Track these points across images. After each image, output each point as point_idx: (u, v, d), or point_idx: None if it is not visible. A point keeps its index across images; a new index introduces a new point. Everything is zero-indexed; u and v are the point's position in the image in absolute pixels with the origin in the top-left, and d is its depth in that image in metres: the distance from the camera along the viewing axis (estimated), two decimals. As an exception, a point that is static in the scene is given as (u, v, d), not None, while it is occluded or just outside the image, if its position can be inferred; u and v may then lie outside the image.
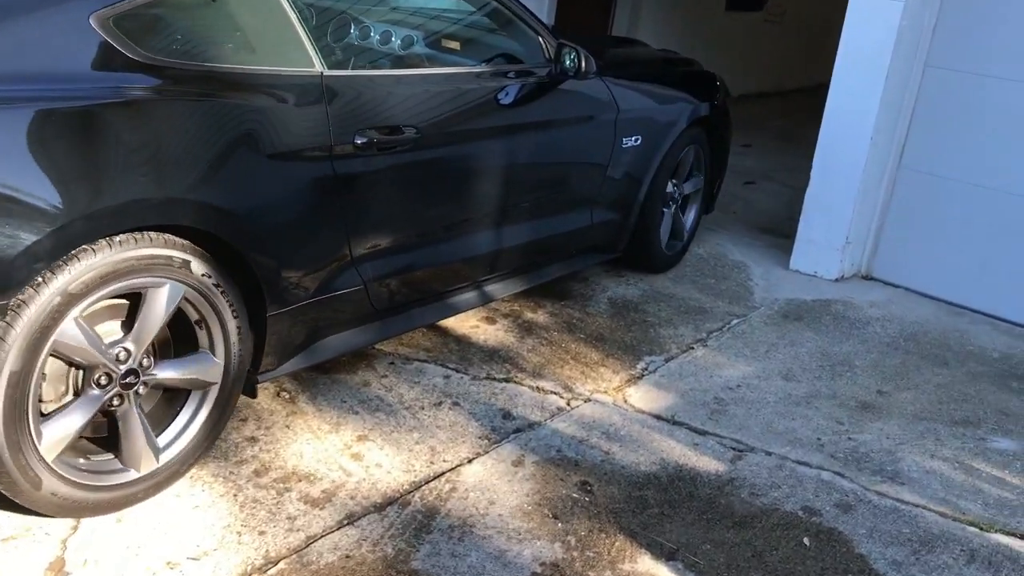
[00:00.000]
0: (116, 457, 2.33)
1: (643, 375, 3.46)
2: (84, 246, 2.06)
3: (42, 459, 2.12)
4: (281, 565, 2.27)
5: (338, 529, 2.42)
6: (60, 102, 2.02)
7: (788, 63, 10.25)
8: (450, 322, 3.65)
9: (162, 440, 2.40)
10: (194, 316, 2.39)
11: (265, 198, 2.41)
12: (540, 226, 3.46)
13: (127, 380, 2.26)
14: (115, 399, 2.26)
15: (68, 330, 2.10)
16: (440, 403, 3.09)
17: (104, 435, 2.37)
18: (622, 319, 3.94)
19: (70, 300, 2.07)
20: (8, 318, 1.98)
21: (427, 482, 2.66)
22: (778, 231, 5.41)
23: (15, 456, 2.07)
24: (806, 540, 2.57)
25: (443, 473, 2.71)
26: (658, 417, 3.16)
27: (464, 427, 2.96)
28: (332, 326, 2.78)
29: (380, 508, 2.53)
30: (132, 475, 2.32)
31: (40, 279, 2.00)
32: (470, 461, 2.78)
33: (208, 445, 2.55)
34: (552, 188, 3.49)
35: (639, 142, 3.78)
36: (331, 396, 3.04)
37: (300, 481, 2.60)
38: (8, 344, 1.99)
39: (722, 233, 5.24)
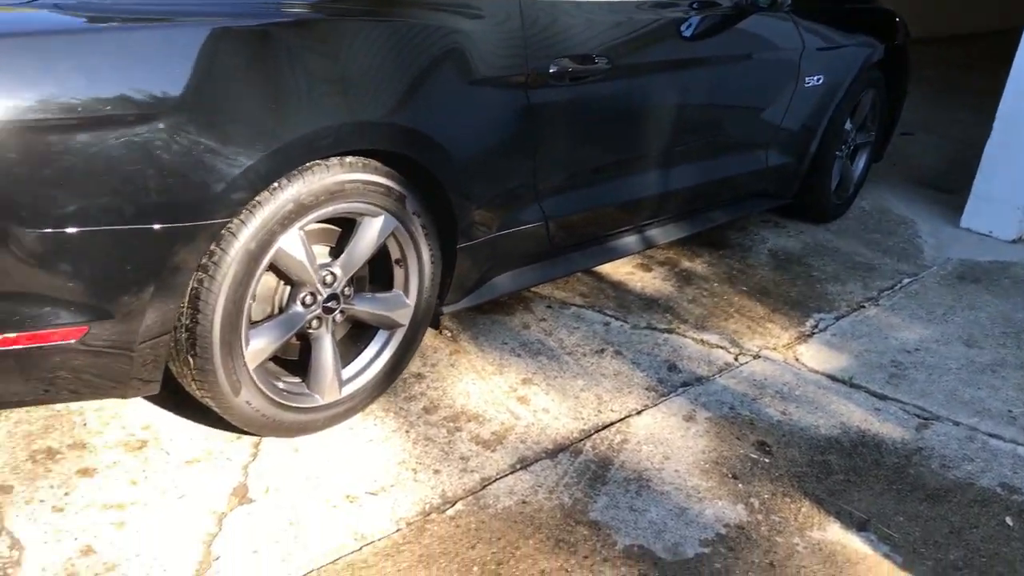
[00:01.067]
0: (303, 381, 2.31)
1: (813, 333, 3.28)
2: (318, 161, 2.05)
3: (245, 365, 2.11)
4: (458, 506, 2.22)
5: (511, 473, 2.36)
6: (277, 18, 1.99)
7: (942, 8, 9.60)
8: (604, 267, 3.53)
9: (346, 373, 2.37)
10: (395, 255, 2.37)
11: (464, 126, 2.34)
12: (717, 166, 3.30)
13: (329, 304, 2.25)
14: (314, 321, 2.24)
15: (291, 240, 2.08)
16: (602, 350, 2.98)
17: (294, 359, 2.36)
18: (785, 272, 3.75)
19: (299, 210, 2.05)
20: (243, 216, 1.96)
21: (597, 431, 2.57)
22: (941, 186, 5.07)
23: (225, 358, 2.06)
24: (1008, 520, 2.38)
25: (612, 423, 2.61)
26: (833, 378, 2.99)
27: (629, 377, 2.85)
28: (508, 263, 2.70)
29: (552, 454, 2.45)
30: (316, 401, 2.31)
31: (277, 184, 1.99)
32: (639, 413, 2.68)
33: (388, 384, 2.52)
34: (733, 126, 3.33)
35: (820, 82, 3.55)
36: (492, 337, 2.97)
37: (469, 421, 2.54)
38: (239, 244, 1.97)
39: (882, 185, 4.94)
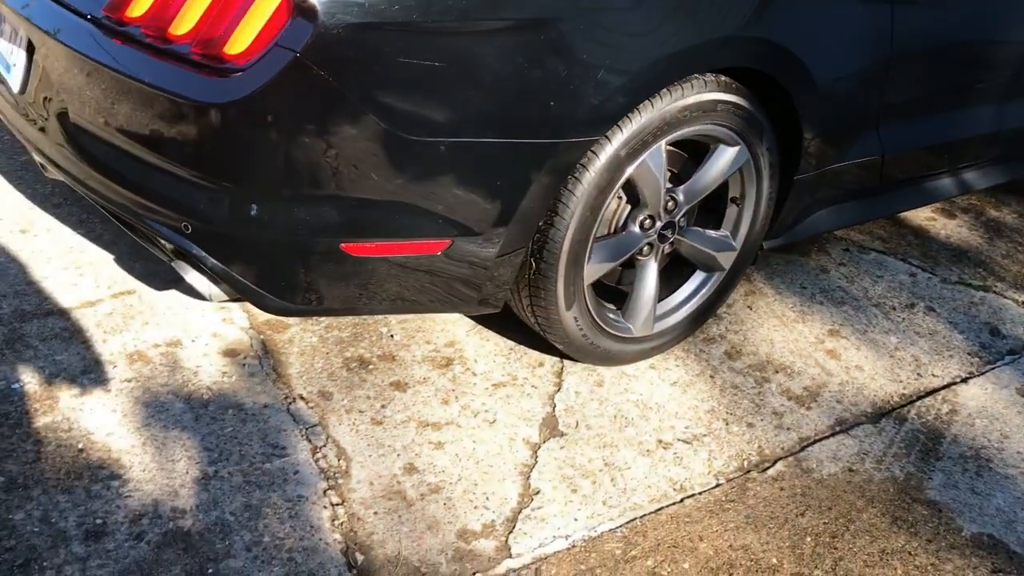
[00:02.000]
0: (619, 309, 2.20)
1: None
2: (697, 76, 1.91)
3: (582, 279, 2.02)
4: (779, 466, 2.06)
5: (831, 436, 2.17)
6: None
7: None
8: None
9: (659, 309, 2.23)
10: (734, 192, 2.21)
11: (826, 43, 2.11)
12: None
13: (664, 232, 2.13)
14: (645, 247, 2.13)
15: (655, 156, 1.97)
16: (912, 305, 2.70)
17: (611, 284, 2.25)
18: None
19: (669, 126, 1.94)
20: (620, 125, 1.86)
21: (919, 397, 2.32)
22: None
23: (569, 268, 1.97)
24: None
25: (936, 390, 2.36)
26: None
27: (947, 338, 2.57)
28: (832, 198, 2.47)
29: (873, 419, 2.23)
30: (630, 332, 2.19)
31: (655, 97, 1.87)
32: (964, 380, 2.41)
33: (695, 328, 2.38)
34: None
35: None
36: (788, 279, 2.75)
37: (777, 372, 2.36)
38: (608, 154, 1.87)
39: None
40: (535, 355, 2.29)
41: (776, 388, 2.30)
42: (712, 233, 2.26)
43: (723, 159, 2.10)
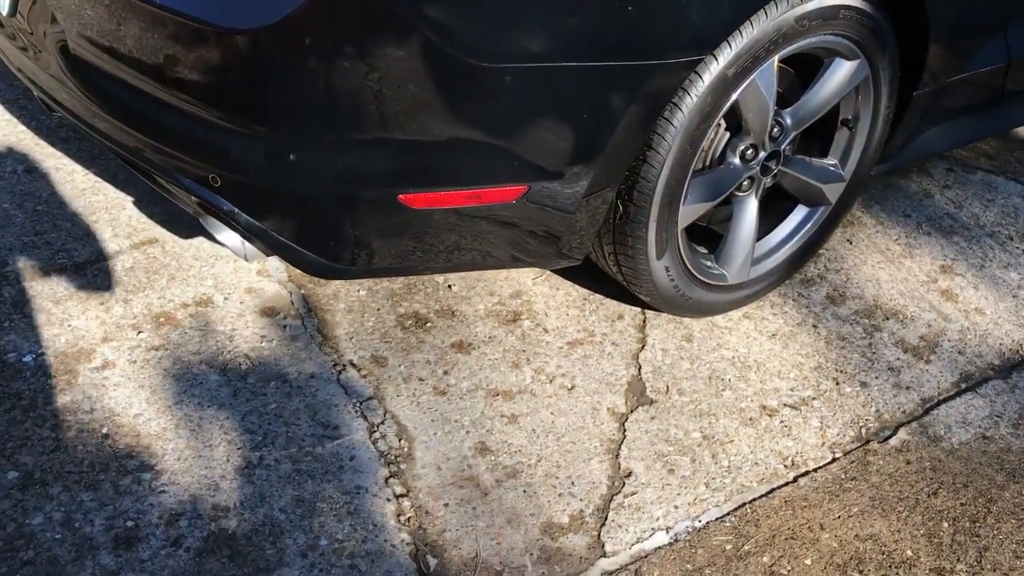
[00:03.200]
0: (711, 253, 1.91)
1: None
2: None
3: (676, 223, 1.74)
4: (901, 434, 1.79)
5: (958, 395, 1.89)
6: None
7: None
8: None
9: (756, 250, 1.93)
10: (847, 113, 1.88)
11: None
12: None
13: (768, 163, 1.82)
14: (745, 181, 1.83)
15: (767, 74, 1.66)
16: (1031, 233, 2.38)
17: (704, 224, 1.95)
18: None
19: (786, 36, 1.62)
20: (729, 40, 1.54)
21: (1053, 345, 2.03)
22: None
23: (663, 211, 1.68)
24: None
25: (1072, 336, 2.06)
26: None
27: (1075, 271, 2.25)
28: (947, 115, 2.12)
29: (1002, 373, 1.95)
30: (724, 279, 1.90)
31: (773, 1, 1.55)
32: (1101, 323, 2.11)
33: (796, 269, 2.07)
34: None
35: None
36: (889, 206, 2.42)
37: (888, 319, 2.06)
38: (714, 74, 1.56)
39: None
40: (613, 306, 2.00)
41: (888, 338, 2.01)
42: (820, 162, 1.94)
43: (839, 75, 1.78)
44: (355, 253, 1.53)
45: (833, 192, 1.96)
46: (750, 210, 1.87)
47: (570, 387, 1.82)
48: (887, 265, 2.22)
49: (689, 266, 1.83)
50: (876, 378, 1.91)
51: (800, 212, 1.99)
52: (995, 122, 2.34)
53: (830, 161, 1.95)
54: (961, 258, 2.27)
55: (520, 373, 1.83)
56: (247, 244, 1.56)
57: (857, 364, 1.94)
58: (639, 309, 2.01)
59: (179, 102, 1.40)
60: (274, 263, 2.02)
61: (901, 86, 1.93)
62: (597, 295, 2.03)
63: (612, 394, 1.81)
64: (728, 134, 1.78)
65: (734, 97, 1.64)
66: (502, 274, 2.06)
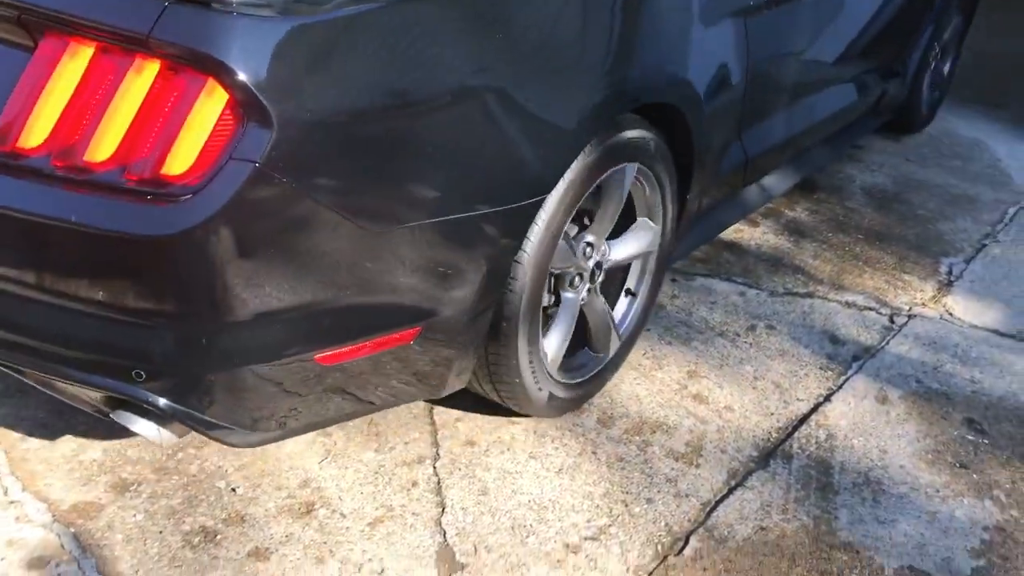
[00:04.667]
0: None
1: (952, 281, 3.03)
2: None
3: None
4: (693, 543, 1.93)
5: (730, 493, 2.07)
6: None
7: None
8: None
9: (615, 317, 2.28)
10: (629, 283, 2.31)
11: (706, 63, 2.20)
12: (857, 89, 3.23)
13: (593, 273, 2.11)
14: (584, 294, 2.12)
15: (564, 237, 1.94)
16: (753, 327, 2.68)
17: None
18: (890, 213, 3.48)
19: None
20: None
21: (795, 427, 2.29)
22: (989, 101, 4.85)
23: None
24: None
25: (807, 416, 2.33)
26: (1000, 333, 2.75)
27: (796, 356, 2.57)
28: (712, 205, 2.56)
29: (761, 462, 2.16)
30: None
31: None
32: (827, 399, 2.40)
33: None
34: (881, 40, 3.24)
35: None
36: (633, 323, 2.64)
37: (655, 432, 2.23)
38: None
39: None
40: (404, 473, 2.02)
41: (660, 451, 2.17)
42: (630, 231, 2.22)
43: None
44: (278, 417, 1.63)
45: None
46: (598, 306, 2.17)
47: (380, 571, 1.79)
48: (642, 380, 2.41)
49: (569, 382, 2.13)
50: (659, 492, 2.05)
51: (634, 270, 2.32)
52: (736, 210, 2.81)
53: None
54: (702, 360, 2.51)
55: (326, 568, 1.79)
56: (162, 430, 1.58)
57: (639, 482, 2.07)
58: (431, 471, 2.03)
59: (102, 311, 1.42)
60: (32, 504, 1.85)
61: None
62: (387, 465, 2.03)
63: (423, 568, 1.81)
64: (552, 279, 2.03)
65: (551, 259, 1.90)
66: (285, 462, 2.02)
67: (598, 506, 2.00)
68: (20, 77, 1.37)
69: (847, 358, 2.58)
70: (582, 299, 2.11)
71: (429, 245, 1.61)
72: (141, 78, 1.33)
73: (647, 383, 2.40)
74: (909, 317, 2.80)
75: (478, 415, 2.20)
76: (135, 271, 1.39)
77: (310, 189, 1.41)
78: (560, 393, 2.11)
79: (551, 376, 2.06)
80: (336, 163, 1.44)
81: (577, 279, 2.06)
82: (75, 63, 1.36)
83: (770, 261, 3.06)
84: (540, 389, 2.03)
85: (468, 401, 2.20)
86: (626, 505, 2.01)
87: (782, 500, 2.05)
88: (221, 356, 1.47)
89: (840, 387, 2.45)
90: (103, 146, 1.34)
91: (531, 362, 1.97)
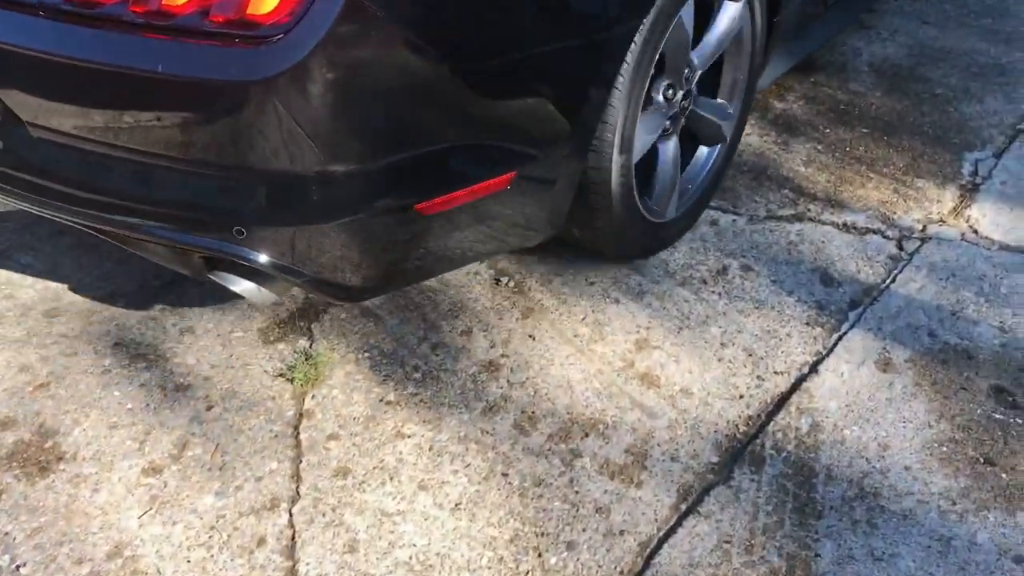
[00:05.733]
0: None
1: (978, 185, 2.44)
2: None
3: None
4: (624, 609, 1.45)
5: (678, 524, 1.58)
6: None
7: None
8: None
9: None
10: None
11: None
12: None
13: (684, 103, 2.00)
14: (668, 121, 1.98)
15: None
16: (724, 269, 2.13)
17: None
18: (903, 95, 2.85)
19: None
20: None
21: (769, 417, 1.77)
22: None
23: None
24: None
25: (786, 396, 1.82)
26: (1037, 255, 2.18)
27: (777, 308, 2.03)
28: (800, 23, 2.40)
29: (723, 474, 1.66)
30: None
31: None
32: (814, 370, 1.88)
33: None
34: None
35: None
36: (571, 274, 2.11)
37: (586, 436, 1.73)
38: (647, 23, 1.69)
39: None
40: (249, 527, 1.55)
41: (591, 464, 1.68)
42: (715, 101, 2.16)
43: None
44: (377, 270, 1.57)
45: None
46: (673, 149, 2.02)
47: None
48: (577, 357, 1.89)
49: (639, 204, 1.94)
50: (583, 531, 1.56)
51: (701, 151, 2.19)
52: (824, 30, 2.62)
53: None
54: (656, 322, 1.98)
55: None
56: (263, 289, 1.57)
57: (560, 517, 1.58)
58: (285, 522, 1.56)
59: (195, 168, 1.37)
60: None
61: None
62: (228, 515, 1.56)
63: None
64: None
65: (667, 37, 1.75)
66: (98, 520, 1.55)
67: (502, 558, 1.52)
68: None
69: (842, 306, 2.03)
70: (666, 128, 1.98)
71: (524, 79, 1.55)
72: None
73: (583, 362, 1.88)
74: (923, 240, 2.23)
75: (360, 428, 1.71)
76: (229, 120, 1.32)
77: (404, 21, 1.34)
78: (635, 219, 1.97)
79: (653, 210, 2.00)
80: None
81: (670, 90, 1.93)
82: None
83: (752, 172, 2.48)
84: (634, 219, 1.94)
85: (349, 408, 1.70)
86: (540, 555, 1.53)
87: (747, 531, 1.56)
88: (322, 208, 1.41)
89: (831, 351, 1.92)
90: (181, -13, 1.25)
91: (628, 204, 1.87)
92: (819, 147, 2.59)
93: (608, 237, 1.95)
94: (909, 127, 2.68)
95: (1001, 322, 1.98)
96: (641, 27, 1.67)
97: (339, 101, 1.32)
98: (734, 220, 2.29)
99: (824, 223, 2.29)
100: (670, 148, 2.02)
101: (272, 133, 1.32)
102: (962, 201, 2.37)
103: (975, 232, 2.26)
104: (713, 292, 2.07)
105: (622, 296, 2.05)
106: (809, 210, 2.33)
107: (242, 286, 1.55)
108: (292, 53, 1.26)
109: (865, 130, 2.67)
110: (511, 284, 2.08)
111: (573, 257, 2.13)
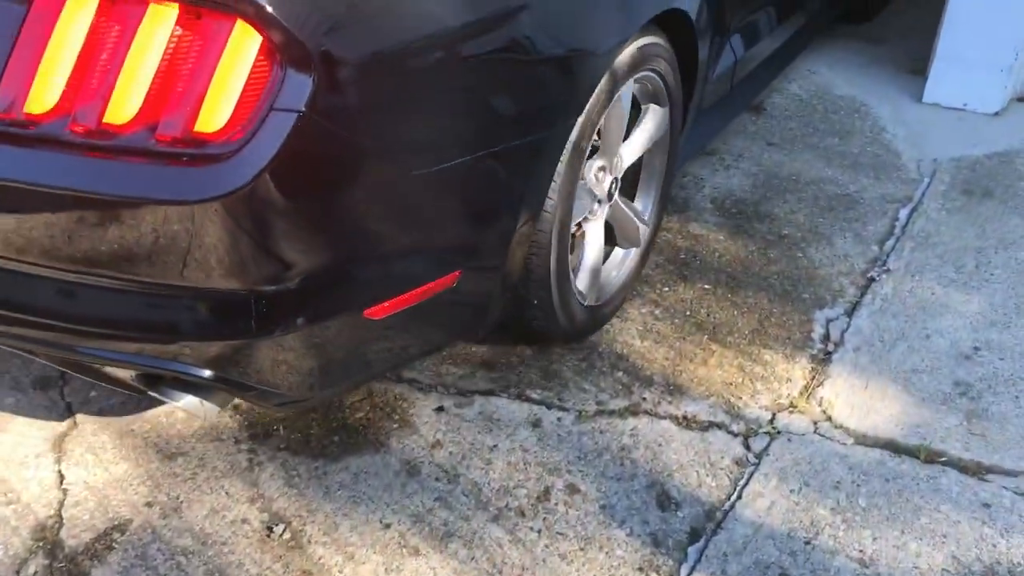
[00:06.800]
0: (618, 246, 2.22)
1: (830, 354, 2.20)
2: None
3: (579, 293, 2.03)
4: None
5: None
6: None
7: None
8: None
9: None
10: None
11: None
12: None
13: (609, 189, 2.07)
14: (596, 204, 2.06)
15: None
16: (546, 492, 1.81)
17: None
18: (748, 237, 2.62)
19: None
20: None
21: None
22: (862, 34, 4.03)
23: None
24: None
25: None
26: (898, 450, 1.94)
27: (606, 551, 1.71)
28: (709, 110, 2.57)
29: None
30: (634, 254, 2.23)
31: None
32: (647, 638, 1.55)
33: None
34: None
35: None
36: (360, 519, 1.74)
37: None
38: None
39: (805, 57, 3.79)
40: None
41: None
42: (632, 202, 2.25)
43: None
44: (325, 376, 1.54)
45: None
46: (599, 231, 2.08)
47: None
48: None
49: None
50: None
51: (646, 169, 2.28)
52: (721, 118, 2.72)
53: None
54: (461, 582, 1.62)
55: None
56: (205, 403, 1.55)
57: None
58: None
59: (140, 288, 1.36)
60: None
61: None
62: None
63: None
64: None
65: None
66: None
67: None
68: (19, 33, 1.25)
69: (681, 538, 1.73)
70: (589, 215, 2.05)
71: (470, 181, 1.58)
72: (158, 25, 1.22)
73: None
74: (771, 435, 1.96)
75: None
76: (174, 239, 1.28)
77: (357, 134, 1.35)
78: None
79: (580, 292, 2.03)
80: (381, 103, 1.37)
81: (596, 206, 2.05)
82: (80, 13, 1.24)
83: (582, 349, 2.18)
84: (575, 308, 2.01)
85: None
86: None
87: None
88: (271, 321, 1.38)
89: (667, 611, 1.60)
90: (124, 105, 1.24)
91: (562, 285, 1.93)
92: (656, 312, 2.31)
93: (553, 316, 1.97)
94: (755, 280, 2.44)
95: (861, 551, 1.70)
96: (578, 121, 1.76)
97: (292, 217, 1.32)
98: (559, 419, 1.98)
99: (661, 416, 1.99)
100: (594, 229, 2.08)
101: (220, 250, 1.29)
102: (813, 378, 2.12)
103: (828, 419, 2.00)
104: (532, 529, 1.73)
105: (423, 543, 1.69)
106: (644, 399, 2.04)
107: (184, 400, 1.54)
108: (245, 170, 1.24)
109: (707, 286, 2.41)
110: (286, 535, 1.70)
111: (357, 486, 1.77)
